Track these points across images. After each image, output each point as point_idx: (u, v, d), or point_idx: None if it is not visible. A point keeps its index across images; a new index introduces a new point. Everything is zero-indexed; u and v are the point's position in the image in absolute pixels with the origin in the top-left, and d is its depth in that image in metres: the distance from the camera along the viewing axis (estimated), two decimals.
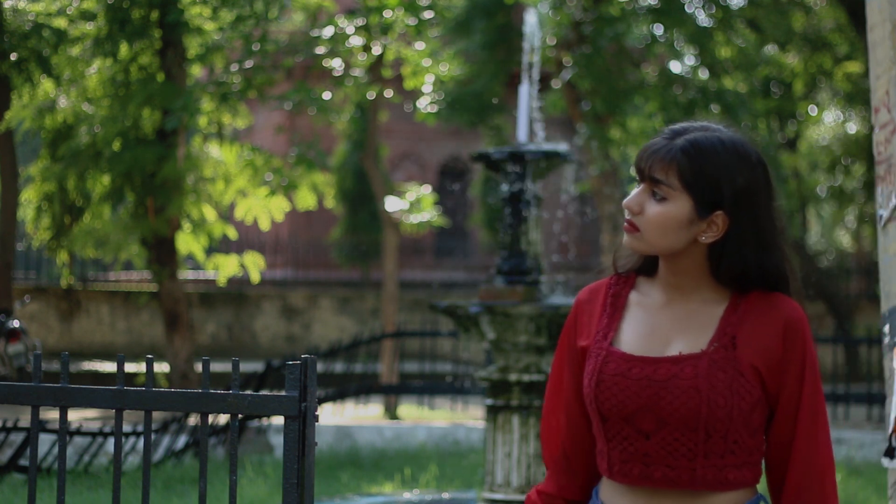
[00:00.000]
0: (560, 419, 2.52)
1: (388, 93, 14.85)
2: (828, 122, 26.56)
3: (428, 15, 14.33)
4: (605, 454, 2.41)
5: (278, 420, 10.37)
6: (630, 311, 2.45)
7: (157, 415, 10.66)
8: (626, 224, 2.41)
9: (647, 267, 2.48)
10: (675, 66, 19.45)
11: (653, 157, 2.36)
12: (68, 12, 14.10)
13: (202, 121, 14.46)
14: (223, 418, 9.60)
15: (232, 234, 15.44)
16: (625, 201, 2.40)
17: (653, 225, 2.36)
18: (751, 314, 2.37)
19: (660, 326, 2.40)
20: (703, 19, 17.96)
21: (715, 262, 2.38)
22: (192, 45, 14.37)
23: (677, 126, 2.41)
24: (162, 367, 14.68)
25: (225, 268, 15.41)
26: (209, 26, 14.26)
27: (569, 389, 2.50)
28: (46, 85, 14.62)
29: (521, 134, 7.63)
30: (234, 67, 14.01)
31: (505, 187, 7.46)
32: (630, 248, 2.43)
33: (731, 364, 2.32)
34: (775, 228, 2.38)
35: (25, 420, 8.54)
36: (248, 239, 22.59)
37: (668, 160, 2.34)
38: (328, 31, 14.21)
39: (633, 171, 2.44)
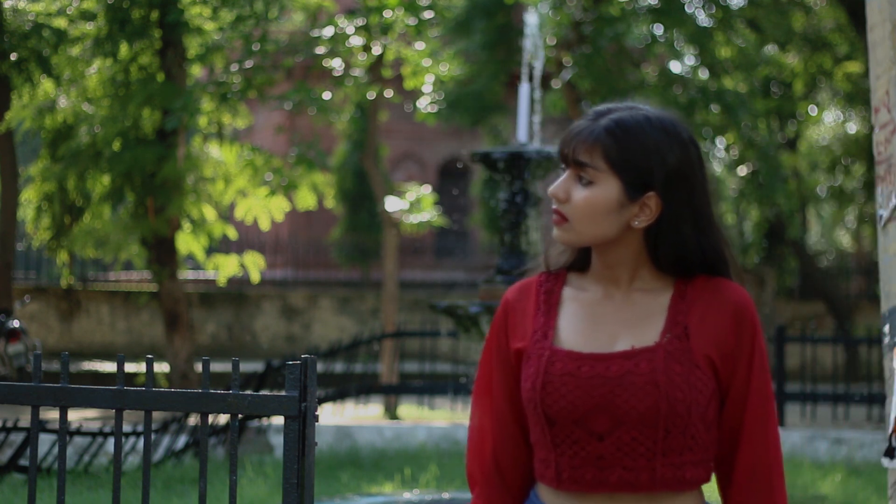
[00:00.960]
0: (490, 428, 2.34)
1: (388, 93, 14.84)
2: (828, 122, 26.57)
3: (428, 15, 14.32)
4: (551, 462, 2.24)
5: (278, 420, 10.37)
6: (566, 308, 2.29)
7: (157, 415, 10.65)
8: (553, 215, 2.25)
9: (578, 263, 2.32)
10: (675, 66, 19.47)
11: (576, 140, 2.21)
12: (68, 12, 14.09)
13: (202, 121, 14.45)
14: (223, 418, 9.60)
15: (232, 234, 15.43)
16: (550, 189, 2.23)
17: (581, 212, 2.20)
18: (699, 301, 2.24)
19: (602, 321, 2.25)
20: (703, 19, 17.99)
21: (653, 247, 2.23)
22: (192, 45, 14.37)
23: (602, 107, 2.26)
24: (162, 367, 14.67)
25: (225, 268, 15.41)
26: (209, 26, 14.25)
27: (500, 395, 2.33)
28: (46, 85, 14.61)
29: (521, 134, 7.63)
30: (234, 67, 14.01)
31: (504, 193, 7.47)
32: (560, 241, 2.26)
33: (686, 356, 2.20)
34: (711, 209, 2.25)
35: (25, 420, 8.53)
36: (248, 239, 22.58)
37: (591, 141, 2.20)
38: (328, 31, 14.20)
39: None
